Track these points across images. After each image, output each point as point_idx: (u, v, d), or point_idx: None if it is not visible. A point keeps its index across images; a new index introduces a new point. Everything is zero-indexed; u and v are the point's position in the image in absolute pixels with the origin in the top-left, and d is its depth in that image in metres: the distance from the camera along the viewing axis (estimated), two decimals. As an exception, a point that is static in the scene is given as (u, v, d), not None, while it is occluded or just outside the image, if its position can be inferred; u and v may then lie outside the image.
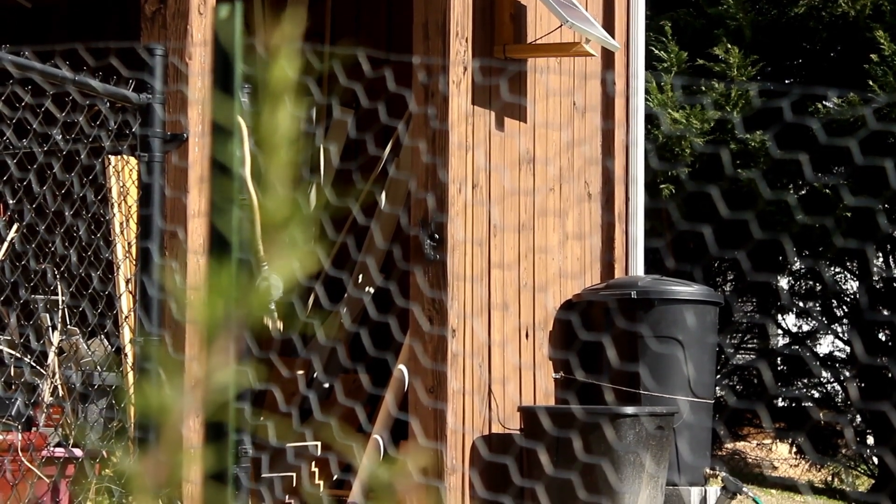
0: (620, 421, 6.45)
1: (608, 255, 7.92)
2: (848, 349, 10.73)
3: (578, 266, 7.47)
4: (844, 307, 10.59)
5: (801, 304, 10.68)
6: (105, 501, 0.79)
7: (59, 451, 5.73)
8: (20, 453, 5.28)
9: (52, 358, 6.75)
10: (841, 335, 10.66)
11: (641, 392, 6.61)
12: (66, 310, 6.94)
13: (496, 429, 6.86)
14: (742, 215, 4.48)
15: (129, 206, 6.83)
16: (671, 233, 5.03)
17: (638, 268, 8.28)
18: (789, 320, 10.95)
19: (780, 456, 8.93)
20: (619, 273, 8.05)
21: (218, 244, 2.81)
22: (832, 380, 10.57)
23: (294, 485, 7.05)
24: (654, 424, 6.52)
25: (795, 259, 4.23)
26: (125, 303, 6.82)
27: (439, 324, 6.37)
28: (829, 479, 8.39)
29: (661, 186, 8.48)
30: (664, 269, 6.70)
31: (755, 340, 10.41)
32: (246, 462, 4.71)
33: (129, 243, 6.76)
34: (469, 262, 6.63)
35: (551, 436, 6.22)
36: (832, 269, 9.60)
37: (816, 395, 10.32)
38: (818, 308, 10.43)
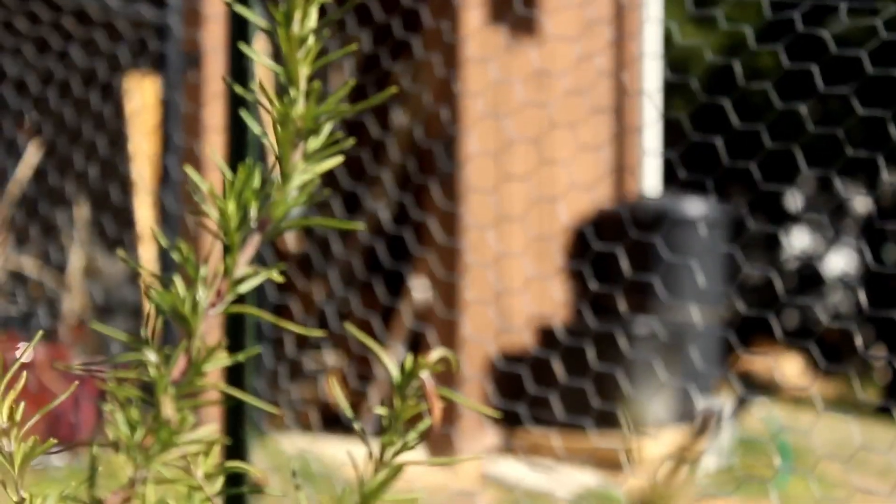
0: (633, 330, 6.55)
1: (621, 166, 7.98)
2: (858, 261, 10.79)
3: (591, 178, 7.53)
4: (854, 220, 10.64)
5: (811, 217, 10.73)
6: (131, 410, 0.85)
7: (82, 365, 5.85)
8: (42, 367, 5.39)
9: (74, 271, 6.84)
10: (851, 247, 10.72)
11: (654, 302, 6.70)
12: (87, 225, 7.04)
13: (510, 339, 6.97)
14: (754, 126, 4.53)
15: (148, 123, 6.89)
16: (683, 144, 5.08)
17: (650, 179, 8.34)
18: (799, 236, 11.00)
19: (791, 371, 9.03)
20: (631, 185, 8.11)
21: (237, 156, 2.89)
22: (842, 290, 10.64)
23: (313, 395, 7.18)
24: (667, 334, 6.62)
25: (806, 170, 4.29)
26: (145, 217, 6.91)
27: (454, 235, 6.45)
28: (841, 392, 8.49)
29: (673, 98, 8.50)
30: (676, 181, 6.75)
31: (766, 253, 10.48)
32: (264, 373, 4.81)
33: (148, 159, 6.83)
34: (483, 174, 6.69)
35: (564, 345, 6.32)
36: (842, 180, 9.64)
37: (826, 307, 10.40)
38: (827, 222, 10.48)
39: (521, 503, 6.04)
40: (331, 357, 7.21)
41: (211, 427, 0.99)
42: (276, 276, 1.04)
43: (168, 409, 0.94)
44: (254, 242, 1.01)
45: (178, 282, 0.99)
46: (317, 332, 1.05)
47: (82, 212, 6.99)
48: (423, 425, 1.03)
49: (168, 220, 6.06)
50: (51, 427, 5.66)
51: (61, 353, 6.13)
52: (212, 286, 1.00)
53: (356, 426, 1.04)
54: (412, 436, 1.03)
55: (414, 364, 1.03)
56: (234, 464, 1.07)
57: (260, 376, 5.95)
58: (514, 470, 6.55)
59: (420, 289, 6.97)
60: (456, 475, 6.45)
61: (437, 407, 1.04)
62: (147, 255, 6.85)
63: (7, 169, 6.97)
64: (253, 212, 1.00)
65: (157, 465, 0.95)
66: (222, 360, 1.00)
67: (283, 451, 6.12)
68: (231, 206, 1.00)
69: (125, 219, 6.93)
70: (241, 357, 1.03)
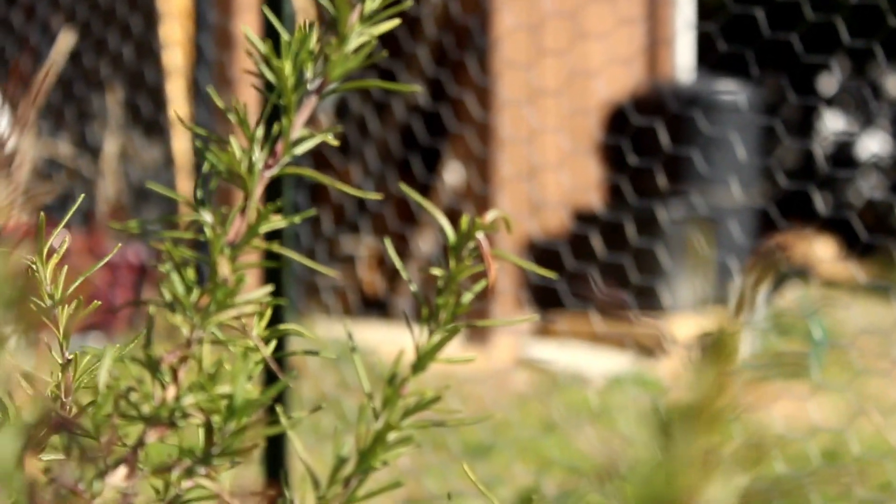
0: (672, 203, 6.52)
1: (657, 41, 7.88)
2: (892, 144, 10.68)
3: (627, 53, 7.44)
4: (888, 103, 10.50)
5: (845, 99, 10.60)
6: (187, 271, 0.84)
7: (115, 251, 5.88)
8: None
9: (109, 156, 6.85)
10: (885, 130, 10.60)
11: (694, 177, 6.66)
12: (122, 108, 7.02)
13: (547, 215, 6.96)
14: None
15: (181, 2, 6.83)
16: (722, 16, 5.00)
17: (688, 53, 8.24)
18: (833, 119, 10.88)
19: (825, 253, 9.00)
20: (666, 61, 8.02)
21: (271, 34, 2.86)
22: (876, 173, 10.55)
23: (350, 277, 7.21)
24: (706, 207, 6.59)
25: (847, 40, 4.21)
26: (178, 98, 6.88)
27: (489, 111, 6.41)
28: (874, 273, 8.47)
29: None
30: (714, 53, 6.66)
31: (800, 137, 10.37)
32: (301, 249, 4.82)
33: (181, 40, 6.79)
34: (518, 49, 6.62)
35: (603, 221, 6.30)
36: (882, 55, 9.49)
37: (860, 190, 10.32)
38: (861, 104, 10.36)
39: (555, 385, 6.08)
40: (368, 238, 7.22)
41: (266, 289, 0.99)
42: (332, 140, 1.03)
43: (224, 269, 0.93)
44: (310, 104, 1.00)
45: (235, 142, 0.98)
46: (374, 195, 1.04)
47: (117, 95, 6.98)
48: (478, 286, 1.02)
49: (201, 99, 6.04)
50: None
51: (97, 238, 6.16)
52: (267, 148, 0.99)
53: (405, 304, 1.03)
54: (467, 296, 1.02)
55: (470, 224, 1.02)
56: (289, 326, 1.07)
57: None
58: (550, 352, 6.58)
59: (453, 173, 6.95)
60: (491, 357, 6.48)
61: (493, 268, 1.02)
62: (179, 144, 6.85)
63: (42, 51, 6.95)
64: (309, 73, 0.99)
65: (213, 326, 0.94)
66: (277, 222, 0.99)
67: (320, 333, 6.16)
68: (287, 67, 0.98)
69: (160, 101, 6.91)
70: (296, 219, 1.02)
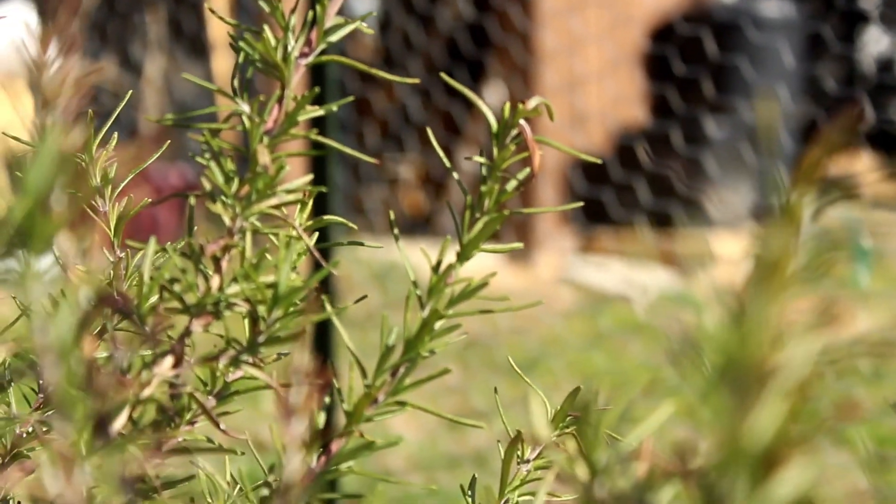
0: (720, 112, 6.45)
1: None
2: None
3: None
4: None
5: (889, 14, 10.41)
6: (226, 161, 0.83)
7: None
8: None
9: (152, 74, 6.86)
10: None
11: (740, 84, 6.58)
12: (165, 26, 7.02)
13: (591, 125, 6.91)
14: None
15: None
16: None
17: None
18: (875, 38, 10.69)
19: (867, 169, 8.90)
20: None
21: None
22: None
23: (393, 196, 7.21)
24: (752, 115, 6.52)
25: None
26: (221, 13, 6.86)
27: (533, 22, 6.35)
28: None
29: None
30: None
31: (842, 60, 10.20)
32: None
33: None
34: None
35: (649, 131, 6.25)
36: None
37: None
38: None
39: (600, 303, 6.06)
40: (413, 155, 7.20)
41: (307, 177, 0.98)
42: (366, 28, 1.02)
43: (264, 157, 0.93)
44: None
45: (269, 31, 0.97)
46: (412, 80, 1.02)
47: (160, 13, 6.97)
48: (523, 174, 1.01)
49: (245, 14, 6.02)
50: (129, 230, 5.73)
51: (141, 157, 6.18)
52: (302, 37, 0.98)
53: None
54: (511, 183, 1.01)
55: (513, 110, 1.00)
56: (331, 218, 1.06)
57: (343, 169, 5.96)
58: (592, 272, 6.56)
59: (495, 92, 6.91)
60: (532, 277, 6.47)
61: (537, 154, 1.01)
62: (220, 64, 6.83)
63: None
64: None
65: (255, 215, 0.93)
66: (314, 111, 0.98)
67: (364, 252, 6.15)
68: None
69: (203, 19, 6.89)
70: (333, 106, 1.01)
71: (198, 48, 7.04)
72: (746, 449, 0.58)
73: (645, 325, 5.66)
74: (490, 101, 6.93)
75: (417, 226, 7.13)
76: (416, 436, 4.55)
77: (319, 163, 3.53)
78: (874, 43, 10.63)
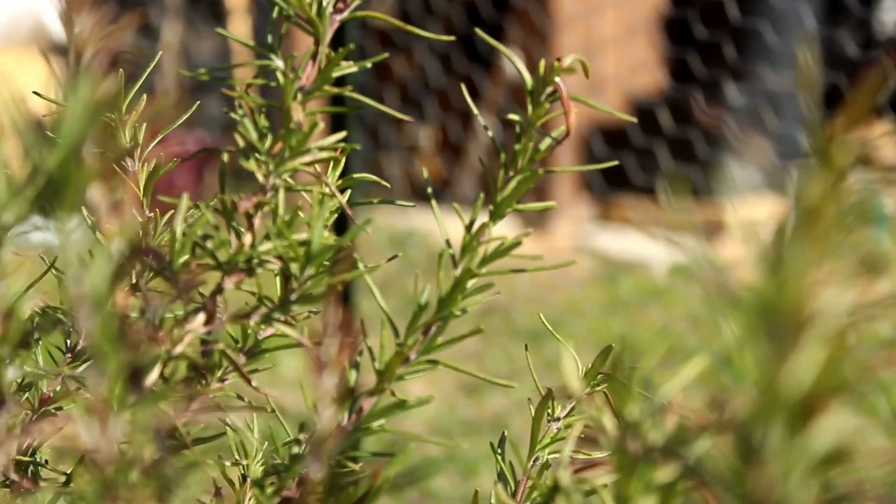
0: (741, 78, 6.42)
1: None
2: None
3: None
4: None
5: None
6: (259, 117, 0.83)
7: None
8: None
9: (168, 41, 6.85)
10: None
11: (762, 48, 6.54)
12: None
13: (610, 90, 6.88)
14: None
15: None
16: None
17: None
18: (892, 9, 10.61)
19: (883, 144, 8.85)
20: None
21: None
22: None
23: (412, 159, 7.19)
24: (776, 81, 6.48)
25: None
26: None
27: (551, 19, 6.32)
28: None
29: None
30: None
31: (858, 29, 10.13)
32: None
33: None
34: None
35: (670, 95, 6.22)
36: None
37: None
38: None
39: (618, 270, 6.04)
40: (431, 121, 7.18)
41: (340, 134, 0.97)
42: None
43: (298, 113, 0.92)
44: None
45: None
46: (440, 37, 1.01)
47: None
48: (557, 132, 1.00)
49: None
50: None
51: (156, 125, 6.17)
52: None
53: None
54: (546, 142, 1.00)
55: (547, 68, 0.99)
56: (362, 176, 1.05)
57: (362, 131, 5.95)
58: (610, 239, 6.54)
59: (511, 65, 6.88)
60: (549, 245, 6.46)
61: (572, 112, 1.00)
62: (238, 30, 6.81)
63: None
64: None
65: (288, 172, 0.93)
66: (349, 67, 0.97)
67: (383, 218, 6.16)
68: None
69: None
70: (368, 63, 1.00)
71: (216, 13, 7.02)
72: (784, 398, 0.57)
73: (664, 292, 5.65)
74: (510, 70, 6.90)
75: (435, 192, 7.12)
76: (434, 401, 4.55)
77: (339, 127, 3.51)
78: (894, 9, 10.57)
